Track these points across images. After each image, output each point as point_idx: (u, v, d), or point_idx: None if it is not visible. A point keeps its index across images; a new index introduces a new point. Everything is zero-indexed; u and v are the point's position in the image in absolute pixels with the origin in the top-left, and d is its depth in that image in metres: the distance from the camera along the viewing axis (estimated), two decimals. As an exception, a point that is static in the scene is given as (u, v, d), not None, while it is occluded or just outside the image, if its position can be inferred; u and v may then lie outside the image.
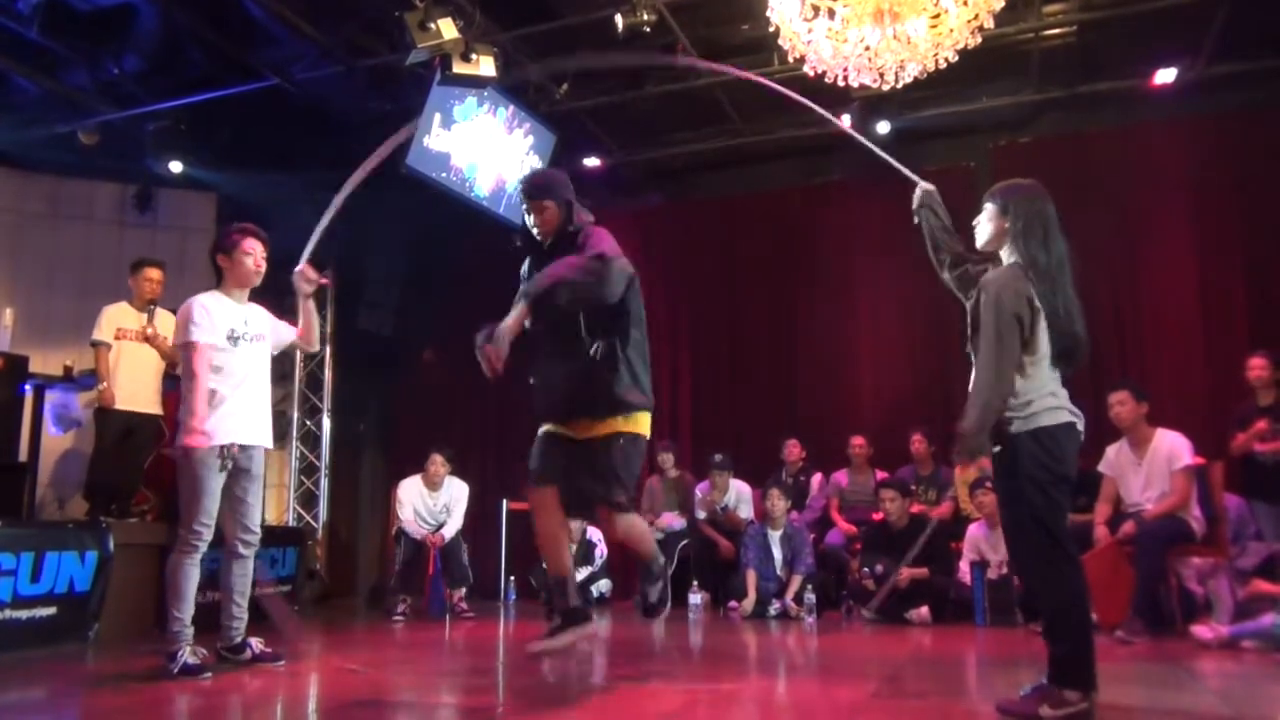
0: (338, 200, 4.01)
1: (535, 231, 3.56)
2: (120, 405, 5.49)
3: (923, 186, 3.27)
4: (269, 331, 4.01)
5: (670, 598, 3.59)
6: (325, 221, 4.01)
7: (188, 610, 3.63)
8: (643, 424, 3.40)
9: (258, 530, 3.90)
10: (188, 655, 3.56)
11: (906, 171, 3.45)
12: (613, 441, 3.32)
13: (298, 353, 8.46)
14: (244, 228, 3.96)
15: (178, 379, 5.49)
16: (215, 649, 3.84)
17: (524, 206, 3.57)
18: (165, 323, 5.59)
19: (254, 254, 3.91)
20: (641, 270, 8.86)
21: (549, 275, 3.21)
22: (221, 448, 3.69)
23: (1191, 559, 5.19)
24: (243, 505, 3.84)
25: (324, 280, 4.11)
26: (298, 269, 3.95)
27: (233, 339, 3.80)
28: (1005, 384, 2.72)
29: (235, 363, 3.79)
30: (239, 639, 3.87)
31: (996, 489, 3.07)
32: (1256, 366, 5.37)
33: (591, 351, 3.32)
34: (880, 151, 3.71)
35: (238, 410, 3.77)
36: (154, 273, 5.63)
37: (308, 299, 4.05)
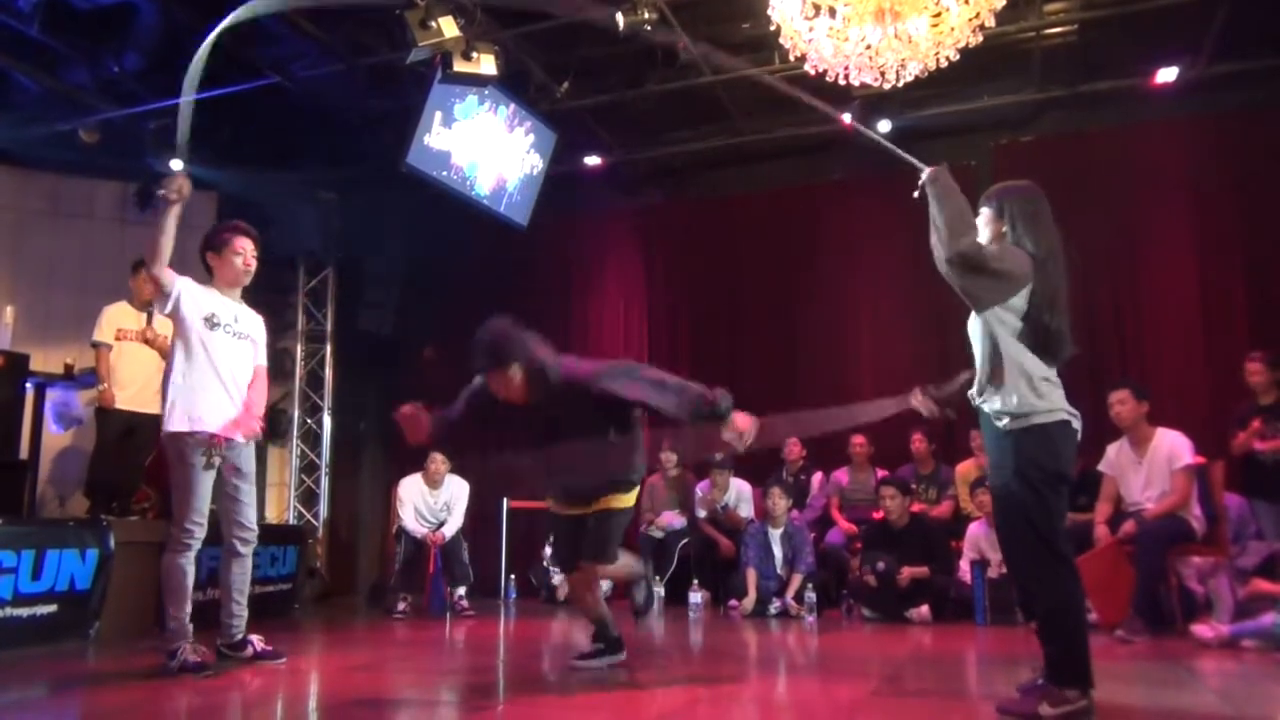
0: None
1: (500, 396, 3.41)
2: (121, 405, 5.52)
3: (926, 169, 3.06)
4: (259, 339, 4.00)
5: (654, 596, 3.73)
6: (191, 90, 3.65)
7: (184, 608, 3.62)
8: (635, 494, 3.73)
9: (254, 528, 3.90)
10: (188, 653, 3.56)
11: (909, 158, 3.31)
12: (613, 517, 3.63)
13: (299, 350, 8.52)
14: (234, 225, 3.93)
15: None
16: (216, 646, 3.84)
17: (482, 378, 3.41)
18: (164, 323, 5.59)
19: (244, 254, 3.88)
20: (642, 268, 8.89)
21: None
22: (208, 444, 3.68)
23: (1192, 558, 5.19)
24: (236, 504, 3.83)
25: (172, 197, 3.43)
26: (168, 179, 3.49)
27: (210, 323, 3.76)
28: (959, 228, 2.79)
29: (213, 348, 3.75)
30: (240, 636, 3.86)
31: (990, 487, 3.07)
32: (1254, 372, 5.39)
33: (609, 438, 3.50)
34: (888, 144, 3.60)
35: (219, 402, 3.75)
36: None
37: (170, 210, 3.48)
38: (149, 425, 5.61)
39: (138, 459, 5.69)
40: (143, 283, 5.59)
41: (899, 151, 3.31)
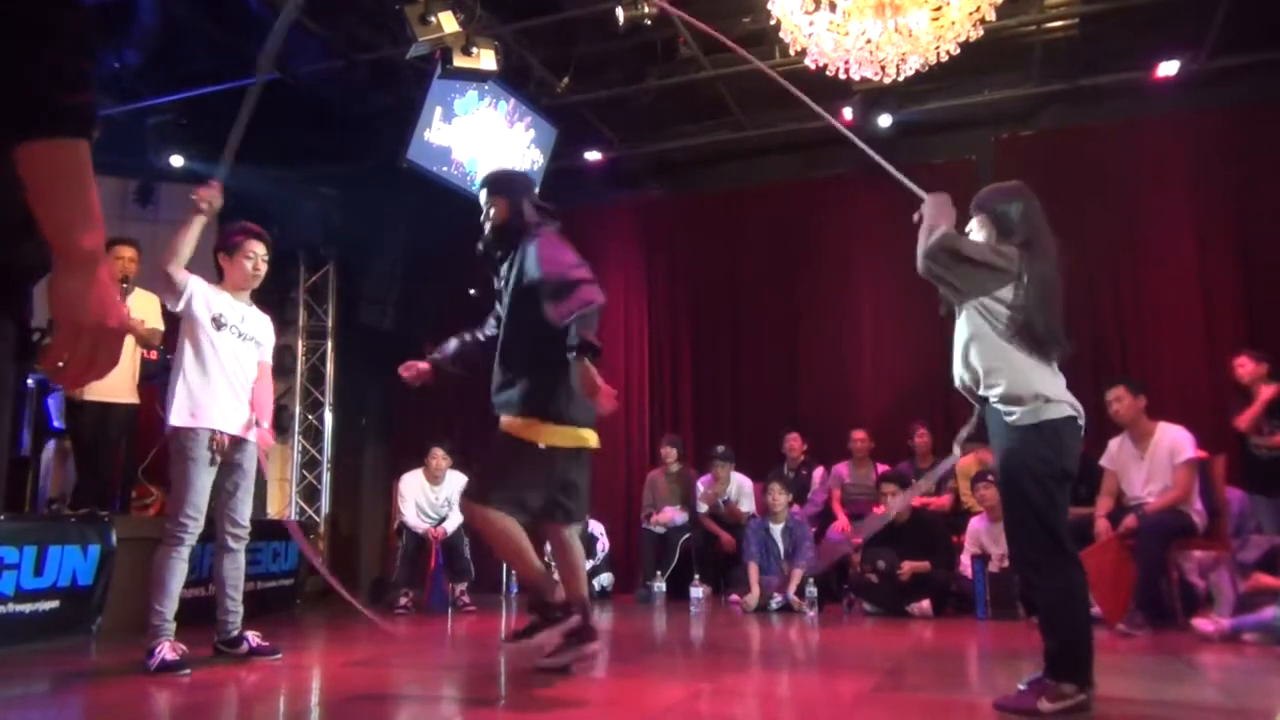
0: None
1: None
2: (91, 396, 5.20)
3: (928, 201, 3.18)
4: (265, 341, 4.01)
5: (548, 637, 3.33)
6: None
7: (170, 605, 3.59)
8: (539, 433, 3.35)
9: (247, 524, 3.91)
10: (166, 651, 3.49)
11: (909, 184, 3.38)
12: (507, 443, 3.38)
13: (300, 346, 8.53)
14: (247, 228, 3.92)
15: (151, 367, 5.39)
16: (213, 643, 3.85)
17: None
18: (141, 303, 5.38)
19: (254, 257, 3.89)
20: (643, 263, 8.89)
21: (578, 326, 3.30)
22: (211, 440, 3.68)
23: (1193, 552, 5.20)
24: (232, 500, 3.84)
25: (211, 195, 3.62)
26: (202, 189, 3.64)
27: (217, 324, 3.77)
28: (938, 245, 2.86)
29: (220, 348, 3.76)
30: (235, 632, 3.86)
31: (998, 483, 3.07)
32: (1241, 365, 5.43)
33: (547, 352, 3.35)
34: (887, 165, 3.66)
35: (224, 400, 3.75)
36: (125, 250, 5.37)
37: (197, 218, 3.61)
38: (124, 414, 5.40)
39: (122, 443, 5.45)
40: (113, 260, 5.25)
41: (902, 178, 3.40)
